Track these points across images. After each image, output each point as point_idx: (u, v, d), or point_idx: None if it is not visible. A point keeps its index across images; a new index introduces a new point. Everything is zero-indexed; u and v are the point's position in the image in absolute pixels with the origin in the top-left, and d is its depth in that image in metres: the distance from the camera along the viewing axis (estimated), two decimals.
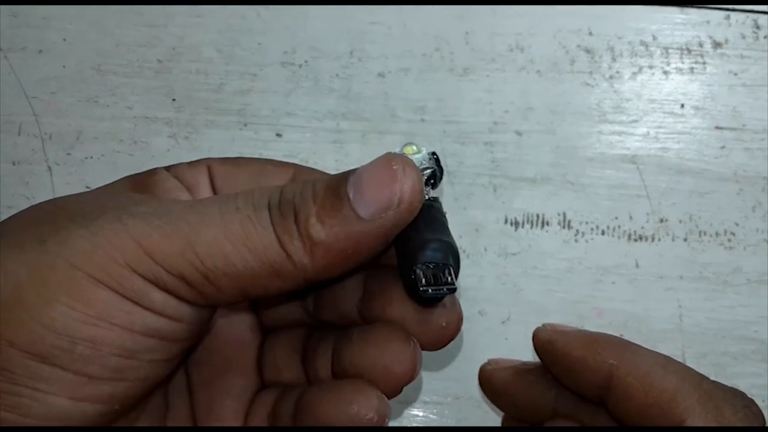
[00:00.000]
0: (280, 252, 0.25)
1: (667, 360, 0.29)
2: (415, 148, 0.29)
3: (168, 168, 0.31)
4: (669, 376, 0.28)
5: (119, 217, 0.25)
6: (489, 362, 0.34)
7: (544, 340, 0.32)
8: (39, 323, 0.23)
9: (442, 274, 0.26)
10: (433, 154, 0.29)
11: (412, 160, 0.27)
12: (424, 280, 0.26)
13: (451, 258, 0.27)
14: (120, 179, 0.31)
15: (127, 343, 0.25)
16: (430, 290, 0.26)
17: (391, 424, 0.41)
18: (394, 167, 0.26)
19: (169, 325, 0.26)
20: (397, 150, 0.29)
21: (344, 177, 0.26)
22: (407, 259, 0.27)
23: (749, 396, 0.31)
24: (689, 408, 0.27)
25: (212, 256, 0.24)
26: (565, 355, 0.30)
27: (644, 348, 0.30)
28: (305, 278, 0.26)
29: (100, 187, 0.30)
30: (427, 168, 0.29)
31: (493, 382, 0.34)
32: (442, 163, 0.29)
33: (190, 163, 0.31)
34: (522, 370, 0.33)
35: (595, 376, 0.29)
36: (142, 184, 0.30)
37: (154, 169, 0.31)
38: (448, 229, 0.28)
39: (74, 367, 0.24)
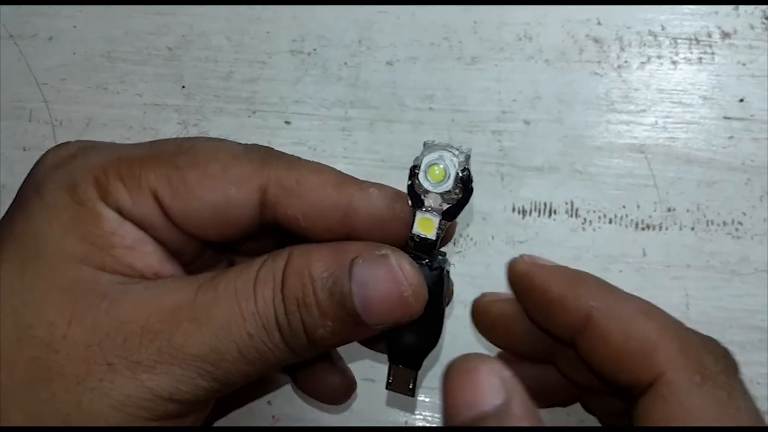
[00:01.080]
0: (291, 356, 0.28)
1: (650, 306, 0.28)
2: (440, 168, 0.28)
3: (106, 199, 0.28)
4: (650, 324, 0.27)
5: (137, 376, 0.26)
6: (484, 295, 0.33)
7: (521, 273, 0.30)
8: None
9: (406, 382, 0.31)
10: (464, 170, 0.28)
11: (421, 280, 0.28)
12: (391, 380, 0.31)
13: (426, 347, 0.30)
14: (58, 213, 0.28)
15: None
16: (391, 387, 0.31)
17: (389, 419, 0.42)
18: (405, 294, 0.27)
19: (191, 422, 0.29)
20: (425, 152, 0.28)
21: (346, 280, 0.27)
22: (389, 345, 0.31)
23: (750, 382, 0.30)
24: (670, 359, 0.26)
25: (233, 379, 0.27)
26: (543, 291, 0.29)
27: (626, 293, 0.29)
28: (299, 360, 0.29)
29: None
30: (450, 199, 0.28)
31: (490, 314, 0.32)
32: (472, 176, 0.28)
33: (131, 189, 0.28)
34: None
35: (573, 316, 0.28)
36: (89, 237, 0.28)
37: (96, 208, 0.28)
38: (440, 309, 0.30)
39: None
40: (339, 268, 0.27)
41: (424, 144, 0.28)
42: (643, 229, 0.42)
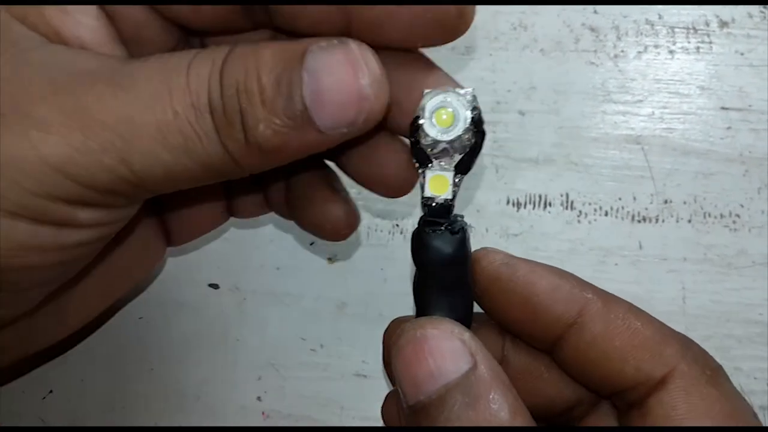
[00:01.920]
0: (225, 157, 0.24)
1: (635, 306, 0.27)
2: (448, 111, 0.25)
3: None
4: (648, 319, 0.26)
5: (26, 133, 0.22)
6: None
7: (499, 263, 0.27)
8: None
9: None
10: (474, 110, 0.25)
11: (380, 73, 0.23)
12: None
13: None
14: None
15: (57, 259, 0.25)
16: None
17: (377, 423, 0.41)
18: (362, 81, 0.23)
19: (99, 232, 0.25)
20: (425, 99, 0.25)
21: (297, 67, 0.23)
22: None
23: (747, 377, 0.30)
24: (681, 354, 0.25)
25: (149, 168, 0.23)
26: (529, 283, 0.26)
27: (609, 292, 0.27)
28: (245, 173, 0.25)
29: None
30: (463, 146, 0.25)
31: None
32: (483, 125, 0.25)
33: None
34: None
35: (563, 310, 0.26)
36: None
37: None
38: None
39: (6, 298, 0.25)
40: (290, 54, 0.23)
41: (423, 93, 0.25)
42: (639, 221, 0.42)
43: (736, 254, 0.41)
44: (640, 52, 0.44)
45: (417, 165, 0.26)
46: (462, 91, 0.25)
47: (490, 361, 0.23)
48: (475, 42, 0.45)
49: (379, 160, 0.30)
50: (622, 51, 0.44)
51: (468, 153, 0.25)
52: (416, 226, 0.27)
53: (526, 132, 0.43)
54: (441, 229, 0.26)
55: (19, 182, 0.22)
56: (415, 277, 0.27)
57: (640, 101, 0.43)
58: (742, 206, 0.41)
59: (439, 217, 0.26)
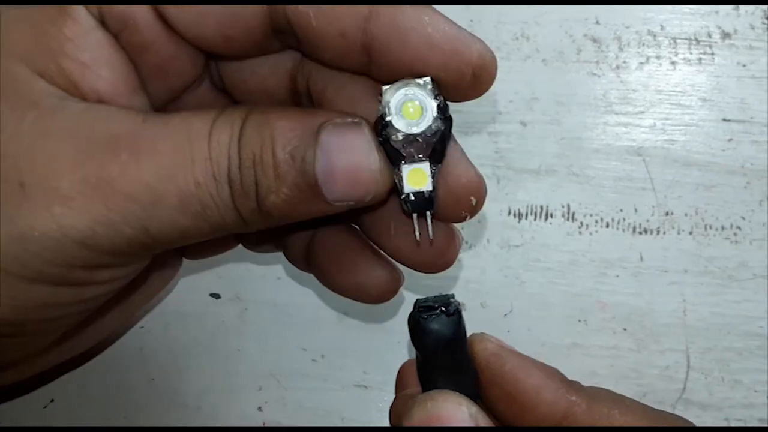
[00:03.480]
0: (237, 221, 0.24)
1: (619, 396, 0.27)
2: (415, 103, 0.25)
3: None
4: (630, 411, 0.26)
5: (50, 207, 0.22)
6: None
7: (489, 353, 0.28)
8: None
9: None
10: (437, 96, 0.25)
11: (386, 163, 0.25)
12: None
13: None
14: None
15: (75, 309, 0.25)
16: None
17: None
18: (373, 167, 0.24)
19: (115, 284, 0.26)
20: (388, 95, 0.25)
21: (311, 143, 0.23)
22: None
23: (747, 390, 0.29)
24: None
25: (167, 233, 0.24)
26: (516, 380, 0.27)
27: (596, 388, 0.27)
28: (252, 230, 0.26)
29: None
30: (433, 134, 0.25)
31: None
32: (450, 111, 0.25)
33: None
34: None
35: (548, 411, 0.26)
36: (41, 34, 0.24)
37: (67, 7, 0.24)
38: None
39: None
40: (304, 130, 0.24)
41: (382, 90, 0.25)
42: (640, 233, 0.42)
43: (737, 267, 0.41)
44: (641, 63, 0.44)
45: (387, 161, 0.26)
46: (421, 81, 0.25)
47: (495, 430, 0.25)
48: None
49: (399, 229, 0.30)
50: (624, 62, 0.44)
51: (439, 140, 0.25)
52: (411, 310, 0.27)
53: (527, 143, 0.43)
54: (436, 313, 0.26)
55: (38, 254, 0.22)
56: (417, 358, 0.28)
57: (642, 112, 0.43)
58: (743, 218, 0.41)
59: (422, 208, 0.26)
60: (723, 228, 0.41)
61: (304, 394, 0.41)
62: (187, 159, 0.23)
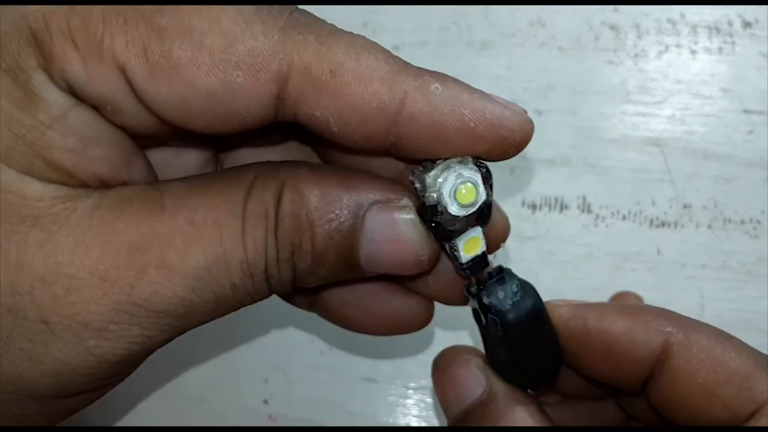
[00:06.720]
0: (266, 296, 0.24)
1: (720, 331, 0.25)
2: (468, 186, 0.23)
3: (50, 69, 0.20)
4: (735, 349, 0.24)
5: (84, 343, 0.21)
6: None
7: (567, 318, 0.26)
8: None
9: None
10: (484, 174, 0.23)
11: (429, 249, 0.24)
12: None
13: None
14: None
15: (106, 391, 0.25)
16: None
17: (389, 420, 0.40)
18: (422, 258, 0.23)
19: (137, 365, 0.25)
20: (435, 182, 0.23)
21: (357, 231, 0.23)
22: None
23: None
24: None
25: (196, 325, 0.23)
26: (602, 332, 0.25)
27: (690, 317, 0.26)
28: None
29: None
30: (480, 212, 0.24)
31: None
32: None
33: (87, 57, 0.20)
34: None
35: (644, 351, 0.24)
36: (15, 126, 0.20)
37: (31, 83, 0.20)
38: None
39: None
40: (347, 210, 0.22)
41: (417, 175, 0.24)
42: (657, 226, 0.41)
43: (756, 261, 0.40)
44: (661, 52, 0.43)
45: (438, 242, 0.25)
46: (459, 159, 0.23)
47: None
48: (492, 38, 0.44)
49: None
50: (643, 50, 0.43)
51: (488, 206, 0.24)
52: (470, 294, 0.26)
53: (542, 132, 0.42)
54: (500, 288, 0.26)
55: (75, 380, 0.22)
56: (492, 346, 0.27)
57: (660, 102, 0.42)
58: (762, 212, 0.40)
59: (479, 271, 0.25)
60: (742, 222, 0.40)
61: (311, 387, 0.40)
62: (222, 265, 0.21)
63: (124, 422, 0.40)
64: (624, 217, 0.41)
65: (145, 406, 0.40)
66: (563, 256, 0.41)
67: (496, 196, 0.41)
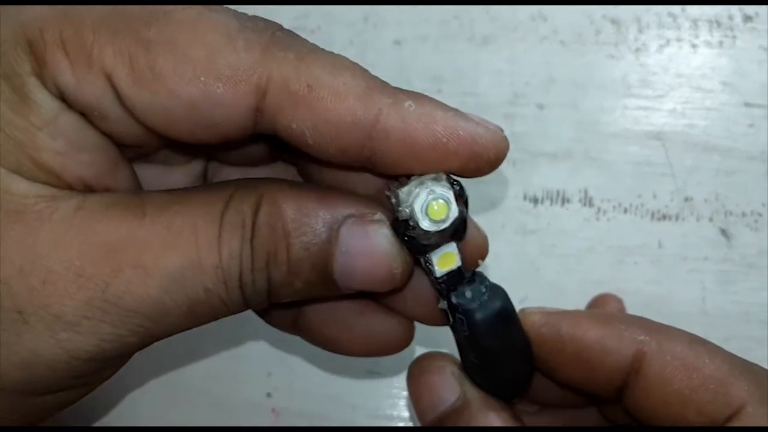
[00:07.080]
0: (241, 309, 0.24)
1: (695, 336, 0.25)
2: (440, 202, 0.23)
3: (42, 75, 0.21)
4: (709, 354, 0.24)
5: (55, 335, 0.21)
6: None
7: (539, 325, 0.26)
8: None
9: None
10: (457, 191, 0.24)
11: (410, 258, 0.24)
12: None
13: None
14: None
15: (86, 391, 0.25)
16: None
17: (392, 413, 0.40)
18: (395, 271, 0.24)
19: (110, 374, 0.26)
20: (407, 198, 0.24)
21: (331, 243, 0.23)
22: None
23: None
24: (746, 392, 0.23)
25: (173, 332, 0.23)
26: (575, 340, 0.25)
27: (663, 324, 0.26)
28: None
29: None
30: (459, 221, 0.24)
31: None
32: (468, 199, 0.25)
33: (76, 65, 0.21)
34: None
35: (617, 360, 0.25)
36: (8, 126, 0.22)
37: (25, 87, 0.21)
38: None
39: None
40: (322, 223, 0.23)
41: (392, 190, 0.24)
42: (659, 219, 0.41)
43: (757, 254, 0.40)
44: (661, 46, 0.43)
45: (412, 256, 0.25)
46: (432, 176, 0.24)
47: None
48: (493, 32, 0.44)
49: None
50: (644, 44, 0.43)
51: (462, 222, 0.24)
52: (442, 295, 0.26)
53: (544, 126, 0.42)
54: (480, 291, 0.26)
55: (44, 375, 0.22)
56: (465, 351, 0.27)
57: (662, 96, 0.42)
58: (763, 205, 0.40)
59: (455, 284, 0.26)
60: (743, 215, 0.40)
61: (314, 380, 0.40)
62: (196, 269, 0.22)
63: (126, 413, 0.40)
64: (625, 211, 0.41)
65: (149, 399, 0.40)
66: (565, 249, 0.41)
67: (498, 190, 0.42)
